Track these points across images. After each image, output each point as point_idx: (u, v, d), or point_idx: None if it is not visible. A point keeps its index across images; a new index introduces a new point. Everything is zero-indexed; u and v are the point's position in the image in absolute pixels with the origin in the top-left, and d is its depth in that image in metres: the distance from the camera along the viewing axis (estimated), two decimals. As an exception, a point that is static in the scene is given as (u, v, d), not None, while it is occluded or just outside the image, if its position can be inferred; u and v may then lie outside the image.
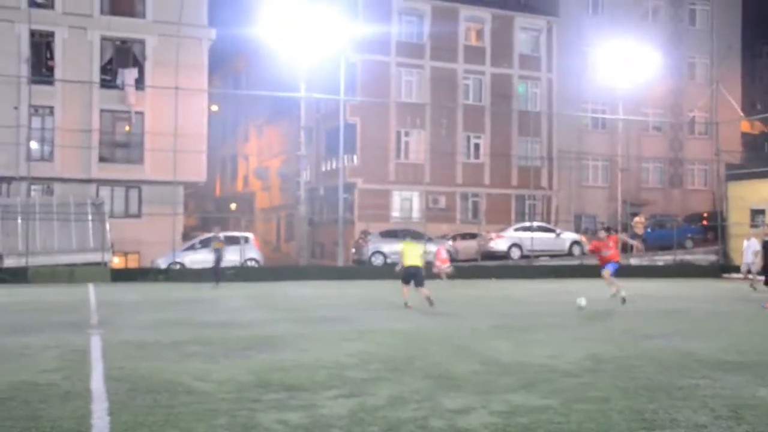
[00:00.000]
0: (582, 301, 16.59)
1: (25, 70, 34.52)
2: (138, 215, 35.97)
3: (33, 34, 34.86)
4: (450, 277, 26.77)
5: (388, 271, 30.95)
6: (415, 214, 41.41)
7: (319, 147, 43.48)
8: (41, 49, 35.67)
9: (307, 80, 34.58)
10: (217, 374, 8.44)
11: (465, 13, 43.16)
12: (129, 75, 35.99)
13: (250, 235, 34.25)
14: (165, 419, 6.30)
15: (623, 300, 17.58)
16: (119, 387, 7.63)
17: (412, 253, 17.46)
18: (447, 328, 13.38)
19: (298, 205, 37.71)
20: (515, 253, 35.28)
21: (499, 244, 35.46)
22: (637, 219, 37.52)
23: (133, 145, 36.73)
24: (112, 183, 36.13)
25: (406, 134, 42.09)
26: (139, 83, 35.99)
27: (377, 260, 33.69)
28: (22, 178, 33.73)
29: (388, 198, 41.60)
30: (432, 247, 28.31)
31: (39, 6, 35.13)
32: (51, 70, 35.65)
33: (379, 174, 40.97)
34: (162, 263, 31.02)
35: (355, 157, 40.31)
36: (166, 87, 34.47)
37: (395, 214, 41.21)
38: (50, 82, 35.38)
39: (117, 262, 32.36)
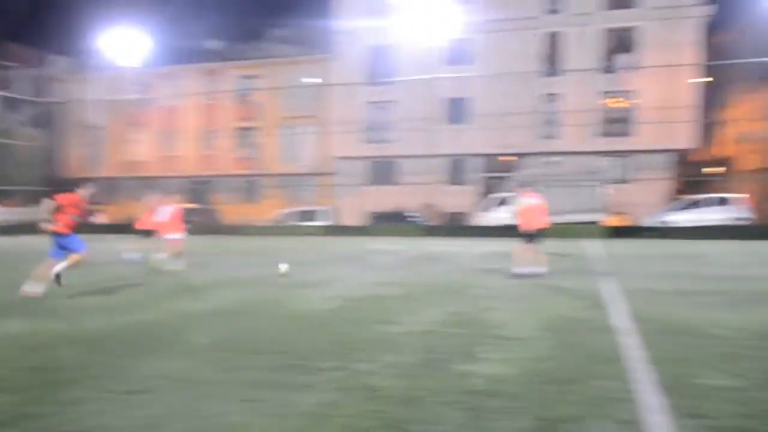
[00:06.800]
0: (282, 268, 12.81)
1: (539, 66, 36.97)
2: (630, 180, 35.78)
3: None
4: None
5: None
6: None
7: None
8: (552, 47, 37.64)
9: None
10: (732, 323, 7.84)
11: None
12: (624, 60, 36.11)
13: (740, 195, 31.41)
14: (691, 357, 6.08)
15: None
16: (642, 326, 7.58)
17: None
18: None
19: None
20: None
21: None
22: None
23: (627, 120, 36.62)
24: (608, 153, 36.60)
25: None
26: (633, 65, 35.77)
27: None
28: (536, 154, 36.58)
29: None
30: None
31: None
32: (559, 63, 37.36)
33: None
34: (650, 222, 30.45)
35: None
36: (658, 66, 33.65)
37: None
38: (559, 74, 37.15)
39: (613, 220, 32.48)
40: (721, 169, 48.28)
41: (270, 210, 38.78)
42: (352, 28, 39.86)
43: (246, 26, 50.72)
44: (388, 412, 4.52)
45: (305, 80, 42.40)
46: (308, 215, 36.51)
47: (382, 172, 40.68)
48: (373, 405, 4.68)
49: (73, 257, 10.26)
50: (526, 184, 13.96)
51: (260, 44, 45.30)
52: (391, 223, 33.99)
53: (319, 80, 41.86)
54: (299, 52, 42.79)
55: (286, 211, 37.55)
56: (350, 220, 37.17)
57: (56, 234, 10.13)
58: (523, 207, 13.46)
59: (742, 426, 4.27)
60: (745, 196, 31.50)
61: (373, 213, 37.66)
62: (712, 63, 34.62)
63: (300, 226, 34.07)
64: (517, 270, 13.16)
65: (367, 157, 40.47)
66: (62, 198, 10.10)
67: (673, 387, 5.07)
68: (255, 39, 46.06)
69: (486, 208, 33.91)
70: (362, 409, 4.59)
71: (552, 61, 37.59)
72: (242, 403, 4.75)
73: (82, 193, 10.36)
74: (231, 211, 39.73)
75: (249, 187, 44.00)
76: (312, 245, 24.73)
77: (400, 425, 4.29)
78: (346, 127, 39.57)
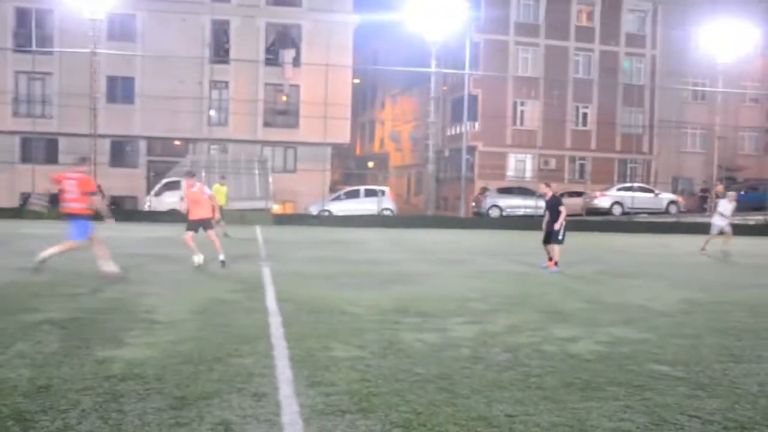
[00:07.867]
0: (197, 259, 12.54)
1: (206, 52, 36.54)
2: (294, 170, 37.50)
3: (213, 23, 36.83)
4: None
5: (505, 222, 31.04)
6: (528, 174, 40.94)
7: (446, 114, 43.46)
8: (219, 35, 37.44)
9: (436, 56, 34.40)
10: (365, 301, 8.81)
11: (578, -4, 41.84)
12: (288, 54, 37.35)
13: (386, 188, 34.94)
14: (326, 333, 6.71)
15: None
16: (288, 306, 8.15)
17: None
18: (556, 273, 13.25)
19: (426, 165, 37.92)
20: (617, 210, 34.41)
21: (603, 201, 34.66)
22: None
23: (290, 112, 38.10)
24: (273, 144, 37.78)
25: (522, 104, 41.37)
26: (296, 61, 37.27)
27: (494, 213, 33.64)
28: (204, 140, 36.26)
29: (505, 159, 41.34)
30: None
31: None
32: (227, 52, 37.39)
33: (497, 138, 40.65)
34: (313, 210, 32.22)
35: (476, 124, 40.20)
36: (317, 64, 35.60)
37: (510, 173, 40.90)
38: (226, 62, 37.15)
39: (277, 208, 33.71)
40: (372, 164, 53.26)
41: None
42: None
43: None
44: (11, 405, 4.22)
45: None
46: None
47: (38, 150, 36.78)
48: (-6, 399, 4.32)
49: None
50: (196, 171, 13.62)
51: None
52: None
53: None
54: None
55: None
56: (-2, 201, 33.02)
57: None
58: (192, 194, 12.98)
59: (356, 389, 4.84)
60: (388, 189, 35.20)
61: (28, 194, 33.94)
62: (363, 66, 38.06)
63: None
64: (196, 259, 12.45)
65: (18, 132, 36.25)
66: None
67: (304, 360, 5.56)
68: None
69: (153, 193, 32.75)
70: (-20, 405, 4.21)
71: (220, 49, 37.53)
72: None
73: None
74: None
75: None
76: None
77: (24, 416, 4.04)
78: (-9, 97, 34.97)
